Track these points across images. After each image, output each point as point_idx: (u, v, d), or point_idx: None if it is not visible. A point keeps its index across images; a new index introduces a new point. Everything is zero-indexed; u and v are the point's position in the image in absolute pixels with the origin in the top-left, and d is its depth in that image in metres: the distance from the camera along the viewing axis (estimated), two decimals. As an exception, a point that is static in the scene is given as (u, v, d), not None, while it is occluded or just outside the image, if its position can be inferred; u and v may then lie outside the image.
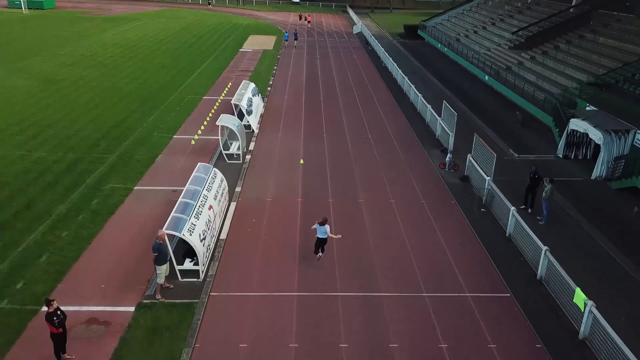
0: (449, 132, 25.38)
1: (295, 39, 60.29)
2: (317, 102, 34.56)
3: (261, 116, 30.67)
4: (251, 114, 28.13)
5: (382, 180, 22.05)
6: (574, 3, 43.96)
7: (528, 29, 42.62)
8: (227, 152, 23.63)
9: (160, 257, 13.28)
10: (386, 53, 48.03)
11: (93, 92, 34.08)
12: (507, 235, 17.56)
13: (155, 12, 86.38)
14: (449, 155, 23.38)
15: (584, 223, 18.86)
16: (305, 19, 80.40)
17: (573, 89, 29.79)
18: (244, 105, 27.42)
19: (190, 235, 14.17)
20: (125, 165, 22.43)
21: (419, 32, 63.85)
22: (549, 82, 33.09)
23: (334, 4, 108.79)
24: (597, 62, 32.18)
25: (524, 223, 16.38)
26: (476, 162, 21.56)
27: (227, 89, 36.70)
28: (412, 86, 35.04)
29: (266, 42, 59.62)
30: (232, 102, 27.74)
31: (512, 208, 17.22)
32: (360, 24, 71.93)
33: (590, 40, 36.43)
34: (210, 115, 30.05)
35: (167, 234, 13.74)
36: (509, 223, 17.48)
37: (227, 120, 23.70)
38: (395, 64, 42.64)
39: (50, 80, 36.64)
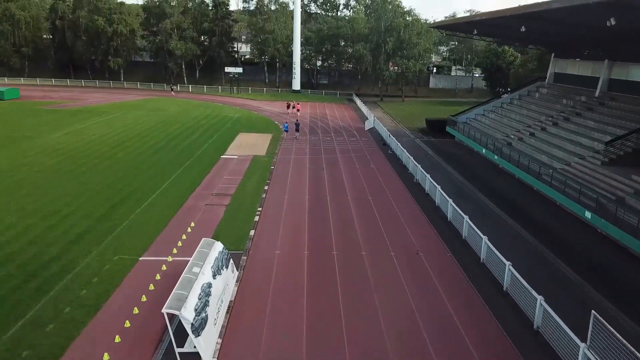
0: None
1: (297, 129, 50.24)
2: (329, 263, 20.84)
3: (229, 310, 16.76)
4: (203, 328, 14.16)
5: None
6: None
7: (629, 138, 29.88)
8: None
9: None
10: (417, 164, 35.07)
11: (-48, 253, 20.38)
12: None
13: (134, 102, 75.40)
14: None
15: None
16: (294, 107, 69.80)
17: None
18: (187, 316, 13.58)
19: None
20: None
21: (448, 128, 51.79)
22: None
23: (338, 92, 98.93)
24: None
25: None
26: None
27: (185, 236, 23.15)
28: (484, 238, 21.33)
29: (258, 142, 47.25)
30: (164, 310, 13.80)
31: None
32: (372, 118, 60.31)
33: None
34: (135, 311, 16.21)
35: None
36: None
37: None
38: (438, 187, 29.35)
39: None
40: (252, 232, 24.24)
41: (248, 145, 46.06)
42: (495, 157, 38.25)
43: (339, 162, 40.46)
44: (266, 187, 32.18)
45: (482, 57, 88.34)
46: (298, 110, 69.21)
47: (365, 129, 58.93)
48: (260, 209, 27.84)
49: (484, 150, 41.08)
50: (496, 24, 37.97)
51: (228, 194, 30.47)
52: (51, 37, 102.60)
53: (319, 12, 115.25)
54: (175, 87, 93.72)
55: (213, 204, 28.29)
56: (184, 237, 23.05)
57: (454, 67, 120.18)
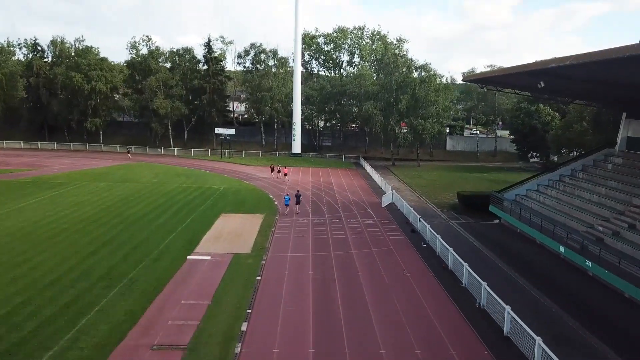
0: None
1: (297, 202, 40.84)
2: None
3: None
4: None
5: None
6: None
7: None
8: None
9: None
10: (482, 282, 22.83)
11: None
12: None
13: (102, 170, 63.84)
14: None
15: None
16: (279, 172, 60.83)
17: None
18: None
19: None
20: None
21: (492, 208, 39.84)
22: None
23: (343, 156, 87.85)
24: None
25: None
26: None
27: None
28: None
29: (244, 229, 35.24)
30: None
31: None
32: (390, 192, 48.54)
33: None
34: None
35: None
36: None
37: None
38: (539, 340, 16.88)
39: None
40: None
41: (230, 234, 34.00)
42: (588, 263, 25.96)
43: (355, 266, 28.18)
44: (244, 327, 19.75)
45: (511, 116, 77.61)
46: (285, 174, 60.05)
47: (383, 205, 46.99)
48: (227, 389, 15.32)
49: (562, 249, 28.88)
50: (585, 74, 26.91)
51: (179, 345, 18.03)
52: (26, 95, 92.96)
53: (320, 70, 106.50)
54: (130, 150, 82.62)
55: (146, 377, 15.82)
56: None
57: (468, 127, 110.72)
